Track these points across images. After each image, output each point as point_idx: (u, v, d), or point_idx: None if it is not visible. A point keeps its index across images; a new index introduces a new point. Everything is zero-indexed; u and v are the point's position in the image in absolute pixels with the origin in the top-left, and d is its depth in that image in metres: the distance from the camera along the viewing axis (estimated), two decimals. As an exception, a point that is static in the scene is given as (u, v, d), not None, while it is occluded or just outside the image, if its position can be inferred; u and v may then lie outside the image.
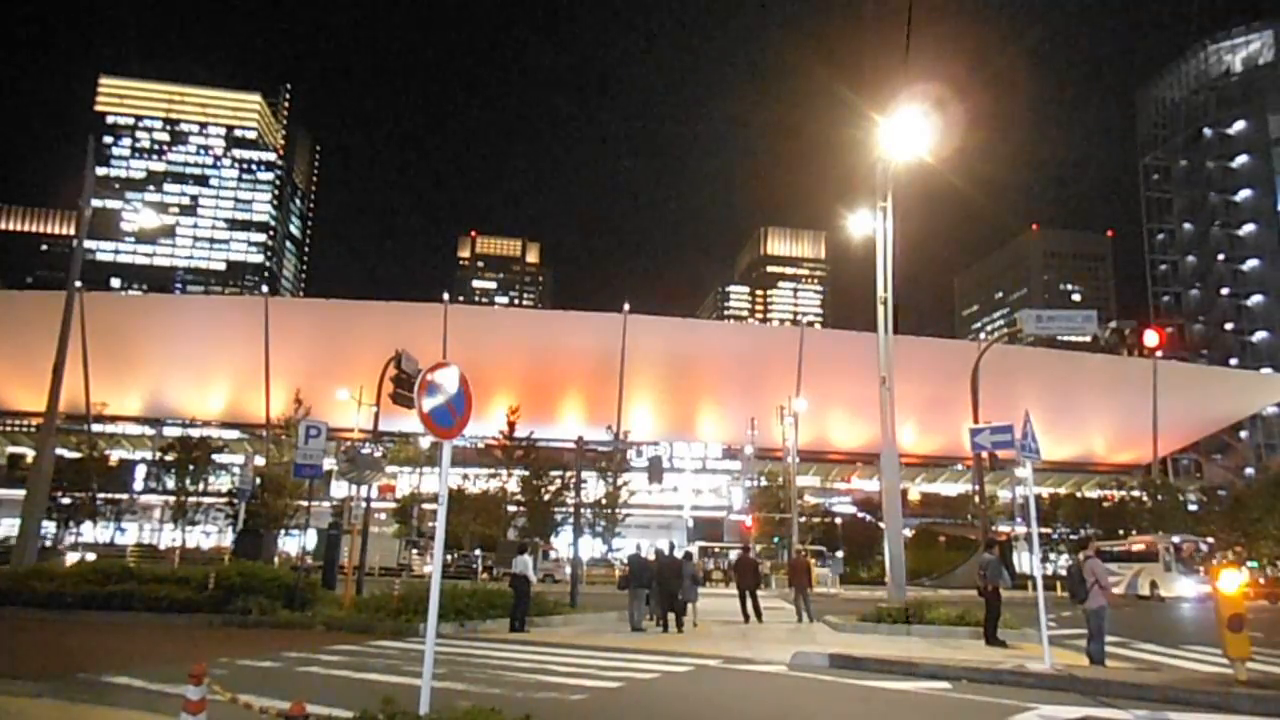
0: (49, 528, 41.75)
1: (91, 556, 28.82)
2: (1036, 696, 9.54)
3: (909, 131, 18.00)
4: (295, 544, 42.82)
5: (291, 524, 37.72)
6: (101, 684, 9.25)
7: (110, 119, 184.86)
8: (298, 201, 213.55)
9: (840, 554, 50.99)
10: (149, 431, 64.87)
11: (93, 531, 48.11)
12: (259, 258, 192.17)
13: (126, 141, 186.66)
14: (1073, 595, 12.68)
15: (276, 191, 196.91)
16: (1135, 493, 54.94)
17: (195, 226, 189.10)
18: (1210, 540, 40.12)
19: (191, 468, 48.53)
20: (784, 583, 32.55)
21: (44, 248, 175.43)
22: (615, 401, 59.37)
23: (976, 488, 24.20)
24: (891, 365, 19.77)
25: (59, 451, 36.30)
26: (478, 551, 41.69)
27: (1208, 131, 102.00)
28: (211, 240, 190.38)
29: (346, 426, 39.33)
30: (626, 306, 59.55)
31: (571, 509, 31.16)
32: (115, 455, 56.65)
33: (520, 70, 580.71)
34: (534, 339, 61.54)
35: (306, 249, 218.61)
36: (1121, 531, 50.68)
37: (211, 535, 51.46)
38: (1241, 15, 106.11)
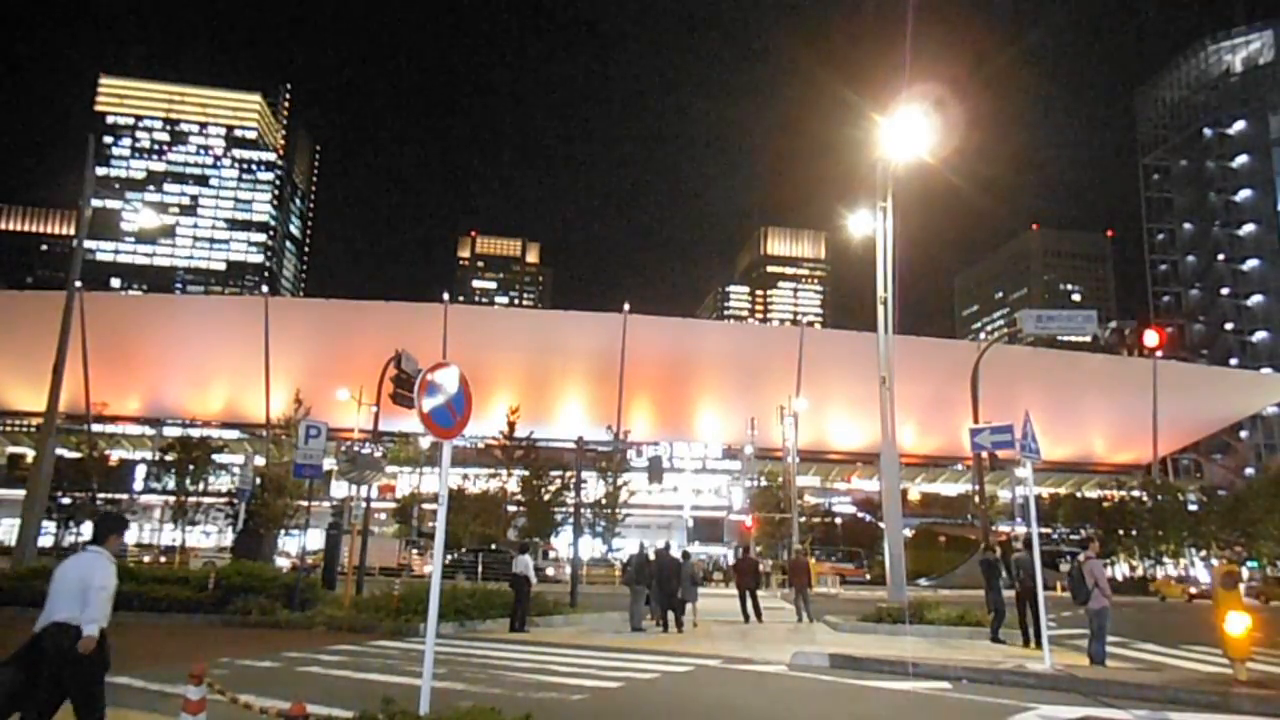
0: (49, 528, 41.69)
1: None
2: (1037, 696, 9.55)
3: (909, 131, 18.02)
4: (295, 544, 42.78)
5: (292, 524, 37.68)
6: (101, 684, 9.22)
7: (110, 119, 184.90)
8: (298, 201, 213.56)
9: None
10: (149, 431, 64.86)
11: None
12: (259, 258, 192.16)
13: (126, 141, 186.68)
14: (1074, 597, 12.51)
15: (276, 191, 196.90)
16: (1135, 493, 54.84)
17: (195, 226, 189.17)
18: None
19: (191, 468, 48.52)
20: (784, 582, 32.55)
21: (44, 248, 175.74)
22: (615, 401, 59.36)
23: (976, 488, 24.18)
24: (891, 365, 19.78)
25: (59, 451, 36.24)
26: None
27: (1208, 131, 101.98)
28: (211, 240, 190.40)
29: (346, 426, 39.31)
30: (626, 306, 59.54)
31: (571, 509, 31.13)
32: (115, 455, 56.55)
33: (520, 70, 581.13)
34: (534, 339, 61.46)
35: (306, 249, 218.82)
36: (1122, 532, 50.67)
37: (211, 535, 51.44)
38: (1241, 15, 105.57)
